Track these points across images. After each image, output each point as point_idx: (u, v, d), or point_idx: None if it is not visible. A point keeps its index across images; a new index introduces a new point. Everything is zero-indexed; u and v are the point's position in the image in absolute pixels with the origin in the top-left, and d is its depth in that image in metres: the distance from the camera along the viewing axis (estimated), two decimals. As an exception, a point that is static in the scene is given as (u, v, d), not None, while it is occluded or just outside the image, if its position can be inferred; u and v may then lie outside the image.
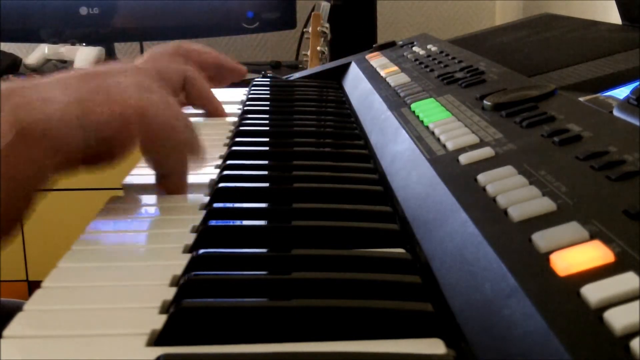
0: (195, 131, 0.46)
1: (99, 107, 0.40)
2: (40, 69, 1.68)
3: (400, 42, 0.87)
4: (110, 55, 1.75)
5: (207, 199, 0.44)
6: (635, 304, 0.22)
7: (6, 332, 0.28)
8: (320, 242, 0.38)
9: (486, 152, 0.39)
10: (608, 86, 0.56)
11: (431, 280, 0.33)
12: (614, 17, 0.86)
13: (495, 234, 0.30)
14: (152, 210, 0.45)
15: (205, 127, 0.64)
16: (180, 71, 0.61)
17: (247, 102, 0.73)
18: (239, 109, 0.72)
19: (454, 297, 0.30)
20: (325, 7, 1.46)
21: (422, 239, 0.36)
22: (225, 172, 0.48)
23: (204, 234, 0.38)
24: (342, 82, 0.84)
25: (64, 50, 1.66)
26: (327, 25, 1.40)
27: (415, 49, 0.79)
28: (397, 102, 0.58)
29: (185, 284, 0.32)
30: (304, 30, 1.52)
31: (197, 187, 0.47)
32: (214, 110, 0.67)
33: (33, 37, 1.71)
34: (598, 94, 0.54)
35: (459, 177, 0.38)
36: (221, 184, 0.46)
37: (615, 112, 0.41)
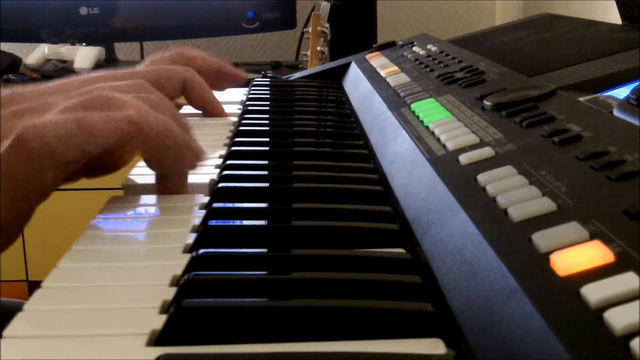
0: (192, 133, 0.46)
1: (98, 117, 0.40)
2: (40, 69, 1.68)
3: (400, 42, 0.87)
4: (110, 55, 1.75)
5: (207, 199, 0.44)
6: (635, 304, 0.22)
7: (6, 332, 0.28)
8: (320, 242, 0.38)
9: (486, 152, 0.39)
10: (608, 86, 0.56)
11: (431, 280, 0.33)
12: (614, 17, 0.86)
13: (495, 234, 0.30)
14: (152, 210, 0.45)
15: (205, 127, 0.64)
16: (180, 73, 0.61)
17: (247, 102, 0.73)
18: (239, 109, 0.72)
19: (454, 297, 0.30)
20: (325, 7, 1.46)
21: (422, 239, 0.36)
22: (225, 172, 0.48)
23: (204, 234, 0.38)
24: (342, 82, 0.84)
25: (64, 50, 1.66)
26: (327, 25, 1.40)
27: (415, 49, 0.79)
28: (397, 102, 0.58)
29: (185, 284, 0.32)
30: (304, 30, 1.52)
31: (197, 187, 0.47)
32: (213, 111, 0.68)
33: (33, 37, 1.71)
34: (598, 94, 0.54)
35: (459, 177, 0.38)
36: (221, 184, 0.46)
37: (615, 112, 0.41)
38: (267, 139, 0.60)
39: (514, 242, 0.29)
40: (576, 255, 0.26)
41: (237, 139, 0.57)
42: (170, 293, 0.31)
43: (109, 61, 1.73)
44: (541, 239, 0.28)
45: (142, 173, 0.50)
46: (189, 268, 0.34)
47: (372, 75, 0.73)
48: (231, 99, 0.75)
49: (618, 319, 0.22)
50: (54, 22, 1.70)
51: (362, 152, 0.55)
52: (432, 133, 0.46)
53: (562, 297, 0.24)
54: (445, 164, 0.40)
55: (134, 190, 0.48)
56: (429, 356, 0.27)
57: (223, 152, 0.55)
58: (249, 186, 0.47)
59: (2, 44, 1.74)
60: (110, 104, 0.41)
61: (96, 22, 1.70)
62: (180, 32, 1.77)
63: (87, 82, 0.49)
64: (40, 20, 1.70)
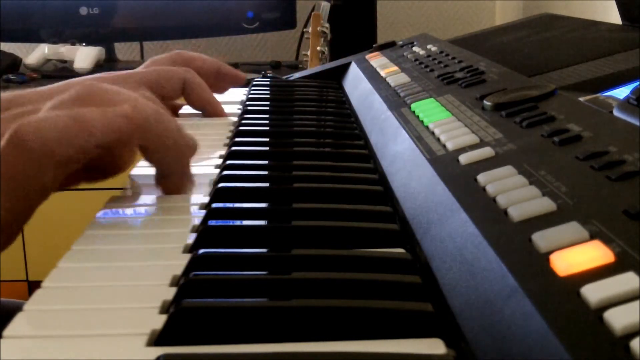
0: (194, 139, 0.46)
1: (94, 112, 0.40)
2: (40, 69, 1.68)
3: (400, 42, 0.87)
4: (110, 55, 1.75)
5: (207, 199, 0.44)
6: (635, 304, 0.22)
7: (6, 332, 0.28)
8: (320, 242, 0.38)
9: (486, 152, 0.39)
10: (608, 86, 0.56)
11: (431, 280, 0.33)
12: (614, 17, 0.86)
13: (495, 234, 0.30)
14: (152, 210, 0.45)
15: (205, 127, 0.64)
16: (180, 74, 0.61)
17: (247, 102, 0.73)
18: (239, 109, 0.72)
19: (454, 297, 0.30)
20: (325, 7, 1.46)
21: (422, 239, 0.36)
22: (225, 172, 0.48)
23: (204, 234, 0.38)
24: (342, 82, 0.84)
25: (64, 50, 1.66)
26: (327, 25, 1.40)
27: (415, 49, 0.79)
28: (397, 102, 0.58)
29: (185, 284, 0.32)
30: (304, 30, 1.52)
31: (197, 187, 0.47)
32: (213, 111, 0.68)
33: (33, 37, 1.71)
34: (598, 94, 0.54)
35: (459, 177, 0.38)
36: (221, 184, 0.46)
37: (615, 112, 0.41)
38: (267, 139, 0.60)
39: (514, 242, 0.29)
40: (576, 255, 0.26)
41: (237, 139, 0.57)
42: (170, 293, 0.31)
43: (109, 61, 1.73)
44: (541, 239, 0.28)
45: (142, 173, 0.50)
46: (189, 268, 0.34)
47: (372, 75, 0.73)
48: (231, 99, 0.75)
49: (618, 319, 0.22)
50: (54, 22, 1.70)
51: (362, 152, 0.55)
52: (432, 133, 0.46)
53: (562, 297, 0.24)
54: (445, 164, 0.40)
55: (141, 181, 0.48)
56: (429, 356, 0.27)
57: (223, 152, 0.55)
58: (249, 186, 0.47)
59: (2, 44, 1.74)
60: (104, 97, 0.41)
61: (96, 22, 1.70)
62: (180, 32, 1.77)
63: (86, 86, 0.49)
64: (40, 20, 1.70)
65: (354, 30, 1.56)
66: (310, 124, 0.65)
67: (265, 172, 0.52)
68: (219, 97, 0.69)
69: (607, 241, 0.26)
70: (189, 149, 0.45)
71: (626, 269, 0.24)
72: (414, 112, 0.53)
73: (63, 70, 1.68)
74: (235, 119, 0.67)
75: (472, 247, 0.31)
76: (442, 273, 0.32)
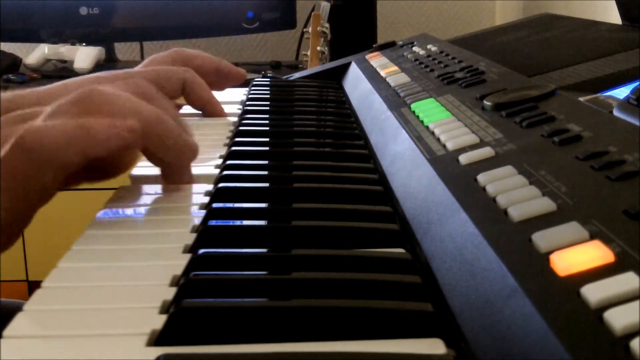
0: (188, 129, 0.46)
1: (101, 125, 0.40)
2: (40, 69, 1.68)
3: (400, 42, 0.87)
4: (110, 55, 1.75)
5: (207, 199, 0.44)
6: (635, 304, 0.22)
7: (6, 332, 0.28)
8: (320, 242, 0.38)
9: (486, 152, 0.39)
10: (608, 86, 0.56)
11: (431, 280, 0.33)
12: (614, 17, 0.86)
13: (495, 234, 0.30)
14: (152, 210, 0.45)
15: (205, 127, 0.64)
16: (180, 73, 0.61)
17: (247, 102, 0.73)
18: (239, 109, 0.72)
19: (454, 297, 0.30)
20: (325, 7, 1.46)
21: (422, 239, 0.36)
22: (225, 172, 0.48)
23: (204, 234, 0.38)
24: (342, 82, 0.84)
25: (64, 50, 1.66)
26: (327, 25, 1.40)
27: (415, 49, 0.79)
28: (397, 102, 0.58)
29: (185, 284, 0.32)
30: (304, 30, 1.52)
31: (197, 187, 0.47)
32: (213, 111, 0.68)
33: (33, 37, 1.71)
34: (598, 94, 0.54)
35: (459, 177, 0.38)
36: (221, 184, 0.46)
37: (615, 112, 0.41)
38: (267, 139, 0.60)
39: (514, 242, 0.29)
40: (576, 255, 0.26)
41: (237, 139, 0.57)
42: (170, 293, 0.31)
43: (109, 61, 1.73)
44: (541, 239, 0.28)
45: (143, 173, 0.50)
46: (189, 268, 0.34)
47: (372, 75, 0.73)
48: (231, 99, 0.75)
49: (618, 319, 0.22)
50: (54, 22, 1.70)
51: (362, 152, 0.55)
52: (432, 133, 0.46)
53: (562, 297, 0.24)
54: (445, 164, 0.40)
55: (137, 185, 0.48)
56: (429, 356, 0.27)
57: (223, 152, 0.55)
58: (249, 186, 0.47)
59: (2, 44, 1.74)
60: (107, 104, 0.41)
61: (96, 22, 1.70)
62: (180, 32, 1.77)
63: (87, 84, 0.49)
64: (40, 20, 1.70)
65: (354, 30, 1.56)
66: (310, 124, 0.65)
67: (265, 172, 0.52)
68: (219, 97, 0.69)
69: (607, 241, 0.26)
70: (189, 147, 0.45)
71: (626, 269, 0.24)
72: (414, 112, 0.53)
73: (63, 70, 1.68)
74: (235, 119, 0.67)
75: (472, 247, 0.31)
76: (442, 273, 0.32)
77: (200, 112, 0.68)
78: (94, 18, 1.70)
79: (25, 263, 1.53)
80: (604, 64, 0.63)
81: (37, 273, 1.53)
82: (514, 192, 0.33)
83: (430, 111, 0.51)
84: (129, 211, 0.44)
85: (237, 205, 0.43)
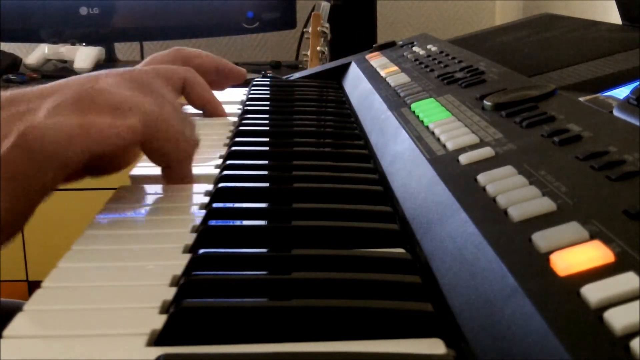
0: (193, 128, 0.46)
1: (102, 124, 0.40)
2: (40, 69, 1.68)
3: (400, 42, 0.87)
4: (110, 55, 1.75)
5: (207, 199, 0.44)
6: (635, 304, 0.22)
7: (6, 332, 0.28)
8: (320, 242, 0.38)
9: (486, 152, 0.39)
10: (608, 86, 0.56)
11: (431, 280, 0.33)
12: (614, 17, 0.86)
13: (495, 234, 0.30)
14: (152, 210, 0.45)
15: (205, 127, 0.64)
16: (180, 73, 0.61)
17: (247, 102, 0.73)
18: (239, 109, 0.72)
19: (454, 297, 0.30)
20: (325, 7, 1.46)
21: (422, 239, 0.36)
22: (225, 172, 0.48)
23: (204, 234, 0.38)
24: (342, 82, 0.84)
25: (64, 50, 1.66)
26: (327, 25, 1.40)
27: (415, 49, 0.79)
28: (397, 102, 0.58)
29: (185, 284, 0.32)
30: (304, 30, 1.52)
31: (197, 187, 0.47)
32: (213, 111, 0.68)
33: (33, 37, 1.71)
34: (598, 94, 0.54)
35: (459, 177, 0.38)
36: (221, 184, 0.46)
37: (615, 112, 0.41)
38: (267, 139, 0.60)
39: (514, 242, 0.29)
40: (576, 255, 0.26)
41: (237, 139, 0.57)
42: (170, 293, 0.31)
43: (109, 61, 1.73)
44: (541, 239, 0.28)
45: (143, 173, 0.50)
46: (189, 268, 0.34)
47: (372, 75, 0.73)
48: (231, 99, 0.75)
49: (618, 319, 0.22)
50: (54, 22, 1.70)
51: (362, 152, 0.55)
52: (432, 133, 0.46)
53: (562, 297, 0.24)
54: (445, 164, 0.40)
55: (137, 185, 0.48)
56: (429, 356, 0.27)
57: (223, 152, 0.55)
58: (249, 186, 0.47)
59: (2, 44, 1.74)
60: (108, 101, 0.41)
61: (96, 22, 1.70)
62: (180, 32, 1.77)
63: (88, 82, 0.49)
64: (40, 20, 1.70)
65: (354, 30, 1.56)
66: (310, 124, 0.65)
67: (265, 172, 0.52)
68: (219, 96, 0.69)
69: (607, 241, 0.26)
70: (189, 141, 0.45)
71: (626, 269, 0.24)
72: (414, 112, 0.53)
73: (63, 70, 1.68)
74: (235, 119, 0.67)
75: (472, 247, 0.31)
76: (442, 273, 0.32)
77: (200, 111, 0.68)
78: (94, 18, 1.70)
79: (25, 263, 1.53)
80: (604, 64, 0.63)
81: (37, 273, 1.53)
82: (514, 192, 0.33)
83: (430, 111, 0.51)
84: (129, 211, 0.44)
85: (237, 205, 0.43)
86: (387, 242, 0.38)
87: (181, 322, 0.29)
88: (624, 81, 0.57)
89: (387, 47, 0.86)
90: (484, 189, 0.35)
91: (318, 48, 1.36)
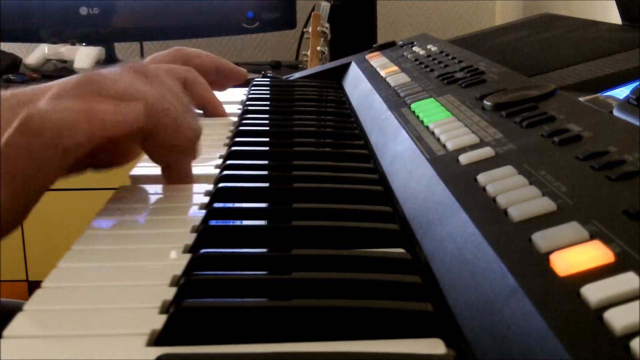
0: (196, 117, 0.46)
1: (107, 109, 0.40)
2: (40, 69, 1.68)
3: (400, 42, 0.87)
4: (110, 55, 1.75)
5: (207, 199, 0.44)
6: (635, 304, 0.22)
7: (6, 332, 0.28)
8: (320, 242, 0.38)
9: (486, 152, 0.39)
10: (608, 86, 0.56)
11: (431, 280, 0.33)
12: (614, 17, 0.86)
13: (495, 234, 0.30)
14: (152, 210, 0.45)
15: (205, 127, 0.64)
16: (181, 73, 0.61)
17: (247, 102, 0.73)
18: (239, 109, 0.72)
19: (454, 297, 0.30)
20: (325, 7, 1.46)
21: (422, 239, 0.36)
22: (225, 172, 0.48)
23: (204, 234, 0.38)
24: (342, 82, 0.84)
25: (64, 50, 1.66)
26: (327, 25, 1.40)
27: (415, 49, 0.79)
28: (397, 102, 0.58)
29: (185, 284, 0.32)
30: (304, 30, 1.52)
31: (197, 187, 0.47)
32: (214, 111, 0.68)
33: (33, 37, 1.71)
34: (598, 94, 0.54)
35: (459, 177, 0.38)
36: (221, 184, 0.46)
37: (615, 112, 0.41)
38: (267, 139, 0.60)
39: (514, 242, 0.29)
40: (576, 255, 0.26)
41: (237, 139, 0.57)
42: (170, 293, 0.31)
43: (109, 61, 1.73)
44: (541, 239, 0.28)
45: (143, 173, 0.50)
46: (189, 268, 0.34)
47: (372, 75, 0.73)
48: (231, 99, 0.75)
49: (618, 319, 0.22)
50: (54, 22, 1.70)
51: (362, 152, 0.55)
52: (432, 133, 0.46)
53: (562, 297, 0.24)
54: (445, 164, 0.40)
55: (137, 185, 0.48)
56: (429, 356, 0.27)
57: (223, 152, 0.55)
58: (249, 186, 0.47)
59: (2, 44, 1.74)
60: (112, 87, 0.41)
61: (96, 22, 1.70)
62: (180, 32, 1.77)
63: (92, 76, 0.49)
64: (40, 20, 1.70)
65: (354, 30, 1.56)
66: (310, 124, 0.65)
67: (265, 172, 0.52)
68: (219, 96, 0.69)
69: (607, 241, 0.26)
70: (192, 129, 0.45)
71: (626, 269, 0.24)
72: (414, 112, 0.53)
73: (63, 70, 1.68)
74: (235, 119, 0.67)
75: (472, 247, 0.31)
76: (442, 273, 0.32)
77: (200, 111, 0.68)
78: (94, 18, 1.69)
79: (25, 263, 1.53)
80: (604, 64, 0.63)
81: (37, 273, 1.53)
82: (514, 192, 0.33)
83: (430, 111, 0.51)
84: (129, 211, 0.44)
85: (237, 205, 0.43)
86: (387, 242, 0.38)
87: (181, 322, 0.29)
88: (624, 81, 0.57)
89: (387, 47, 0.86)
90: (484, 189, 0.35)
91: (318, 48, 1.36)
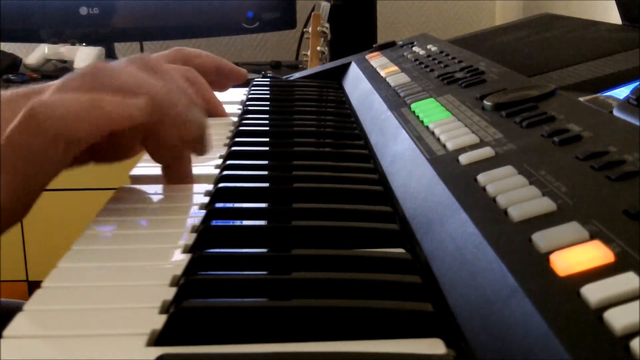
0: (202, 111, 0.46)
1: (112, 101, 0.40)
2: (40, 69, 1.68)
3: (400, 42, 0.87)
4: (110, 55, 1.75)
5: (207, 199, 0.44)
6: (635, 304, 0.22)
7: (6, 332, 0.28)
8: (320, 242, 0.38)
9: (486, 152, 0.39)
10: (608, 86, 0.56)
11: (431, 280, 0.33)
12: (614, 17, 0.86)
13: (495, 234, 0.30)
14: (152, 210, 0.45)
15: (205, 127, 0.64)
16: (181, 72, 0.61)
17: (247, 102, 0.73)
18: (239, 109, 0.72)
19: (454, 297, 0.30)
20: (325, 7, 1.46)
21: (422, 239, 0.36)
22: (225, 172, 0.48)
23: (204, 234, 0.38)
24: (342, 82, 0.84)
25: (64, 50, 1.66)
26: (327, 25, 1.40)
27: (415, 49, 0.79)
28: (397, 102, 0.58)
29: (185, 284, 0.32)
30: (304, 30, 1.52)
31: (197, 187, 0.47)
32: (214, 110, 0.68)
33: (33, 37, 1.71)
34: (598, 94, 0.54)
35: (459, 177, 0.38)
36: (221, 184, 0.46)
37: (615, 112, 0.41)
38: (267, 139, 0.60)
39: (514, 242, 0.29)
40: (576, 255, 0.26)
41: (237, 139, 0.57)
42: (170, 293, 0.31)
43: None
44: (541, 239, 0.28)
45: (143, 173, 0.50)
46: (189, 268, 0.34)
47: (372, 75, 0.73)
48: (231, 99, 0.75)
49: (618, 319, 0.22)
50: (54, 22, 1.70)
51: (362, 152, 0.55)
52: (432, 133, 0.46)
53: (562, 297, 0.24)
54: (445, 164, 0.40)
55: (137, 185, 0.48)
56: (429, 356, 0.27)
57: (223, 152, 0.55)
58: (249, 186, 0.47)
59: (2, 44, 1.74)
60: (118, 79, 0.41)
61: (96, 22, 1.70)
62: (180, 32, 1.77)
63: (97, 69, 0.49)
64: (40, 20, 1.70)
65: (354, 30, 1.56)
66: (310, 124, 0.65)
67: (265, 172, 0.52)
68: (219, 97, 0.69)
69: (607, 241, 0.26)
70: (196, 123, 0.45)
71: (626, 269, 0.24)
72: (414, 112, 0.53)
73: (63, 70, 1.68)
74: (235, 119, 0.67)
75: (472, 247, 0.31)
76: (442, 273, 0.32)
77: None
78: (94, 18, 1.69)
79: (25, 263, 1.53)
80: (604, 64, 0.63)
81: (37, 273, 1.53)
82: (514, 192, 0.33)
83: (430, 111, 0.51)
84: (129, 211, 0.44)
85: (237, 205, 0.43)
86: (387, 242, 0.38)
87: (181, 322, 0.29)
88: (624, 81, 0.57)
89: (387, 47, 0.86)
90: (484, 189, 0.35)
91: (318, 48, 1.36)
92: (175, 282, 0.33)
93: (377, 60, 0.79)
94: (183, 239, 0.38)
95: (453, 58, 0.67)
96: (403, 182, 0.44)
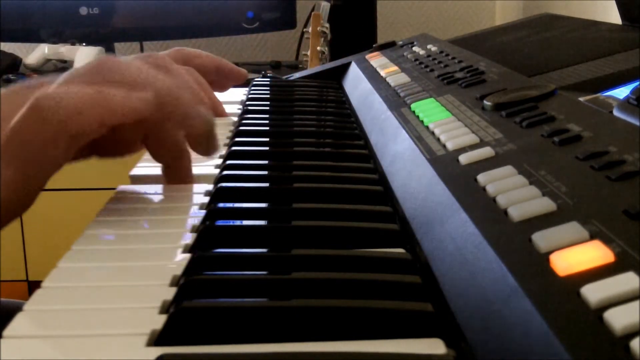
0: (210, 117, 0.46)
1: (117, 94, 0.40)
2: (40, 69, 1.68)
3: (400, 42, 0.87)
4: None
5: (207, 199, 0.44)
6: (635, 304, 0.22)
7: (6, 332, 0.28)
8: (320, 242, 0.38)
9: (486, 152, 0.39)
10: (608, 86, 0.56)
11: (431, 280, 0.33)
12: (614, 17, 0.86)
13: (495, 234, 0.30)
14: (152, 210, 0.45)
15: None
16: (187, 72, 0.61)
17: (247, 102, 0.73)
18: (239, 109, 0.72)
19: (454, 297, 0.30)
20: (325, 7, 1.46)
21: (422, 239, 0.36)
22: (225, 172, 0.48)
23: (204, 234, 0.38)
24: (342, 82, 0.84)
25: (64, 50, 1.66)
26: (327, 25, 1.40)
27: (415, 49, 0.79)
28: (397, 102, 0.58)
29: (185, 284, 0.32)
30: (304, 30, 1.52)
31: (197, 187, 0.47)
32: (214, 111, 0.67)
33: (33, 37, 1.71)
34: (598, 94, 0.54)
35: (459, 177, 0.38)
36: (221, 184, 0.46)
37: (615, 112, 0.41)
38: (267, 139, 0.60)
39: (514, 242, 0.29)
40: (576, 255, 0.26)
41: (237, 139, 0.57)
42: (170, 293, 0.31)
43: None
44: (541, 239, 0.28)
45: (143, 173, 0.50)
46: (189, 268, 0.34)
47: (372, 75, 0.73)
48: (231, 99, 0.75)
49: (618, 319, 0.22)
50: (54, 22, 1.70)
51: (362, 152, 0.55)
52: (432, 133, 0.46)
53: (562, 297, 0.24)
54: (445, 164, 0.40)
55: (137, 185, 0.48)
56: (429, 356, 0.27)
57: (223, 152, 0.55)
58: (249, 186, 0.47)
59: (2, 44, 1.74)
60: (124, 73, 0.41)
61: (96, 22, 1.70)
62: (180, 32, 1.77)
63: (102, 63, 0.49)
64: (40, 20, 1.70)
65: (354, 30, 1.56)
66: (310, 124, 0.65)
67: (266, 172, 0.52)
68: (219, 97, 0.69)
69: (607, 241, 0.26)
70: (201, 119, 0.45)
71: (626, 269, 0.24)
72: (414, 112, 0.53)
73: (63, 70, 1.68)
74: (235, 119, 0.67)
75: (472, 247, 0.31)
76: (442, 273, 0.32)
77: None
78: (94, 18, 1.69)
79: (25, 263, 1.53)
80: (604, 64, 0.63)
81: (37, 273, 1.53)
82: (514, 192, 0.33)
83: (430, 111, 0.51)
84: (129, 211, 0.44)
85: (237, 205, 0.43)
86: (387, 242, 0.38)
87: (181, 322, 0.29)
88: (624, 81, 0.57)
89: (387, 47, 0.86)
90: (484, 189, 0.35)
91: (318, 48, 1.36)
92: (175, 282, 0.33)
93: (377, 60, 0.79)
94: (183, 239, 0.38)
95: (453, 58, 0.67)
96: (403, 182, 0.44)
